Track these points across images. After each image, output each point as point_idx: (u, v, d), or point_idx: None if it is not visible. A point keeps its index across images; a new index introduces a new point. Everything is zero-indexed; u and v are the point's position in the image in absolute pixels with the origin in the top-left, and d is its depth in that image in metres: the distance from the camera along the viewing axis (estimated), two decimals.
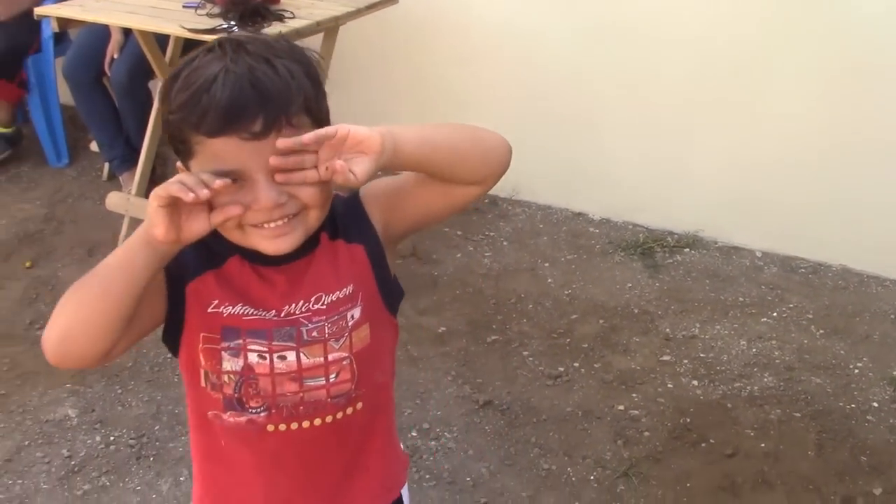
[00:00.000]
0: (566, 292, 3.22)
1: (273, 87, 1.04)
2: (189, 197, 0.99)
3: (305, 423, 1.21)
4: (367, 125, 1.06)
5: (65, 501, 2.30)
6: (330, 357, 1.19)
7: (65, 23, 3.03)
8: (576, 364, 2.83)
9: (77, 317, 1.05)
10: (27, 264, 3.31)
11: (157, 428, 2.54)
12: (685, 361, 2.85)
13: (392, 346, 1.32)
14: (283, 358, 1.18)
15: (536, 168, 3.73)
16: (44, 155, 4.11)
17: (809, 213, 3.37)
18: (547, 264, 3.39)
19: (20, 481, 2.35)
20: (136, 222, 3.38)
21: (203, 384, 1.21)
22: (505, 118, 3.73)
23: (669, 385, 2.74)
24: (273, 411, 1.20)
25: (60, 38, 3.96)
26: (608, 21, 3.49)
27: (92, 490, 2.33)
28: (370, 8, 3.19)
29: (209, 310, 1.17)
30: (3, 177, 4.00)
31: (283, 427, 1.21)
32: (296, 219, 1.10)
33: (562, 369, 2.80)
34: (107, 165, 3.95)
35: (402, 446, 1.45)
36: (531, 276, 3.32)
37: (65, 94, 4.10)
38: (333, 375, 1.20)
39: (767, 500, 2.32)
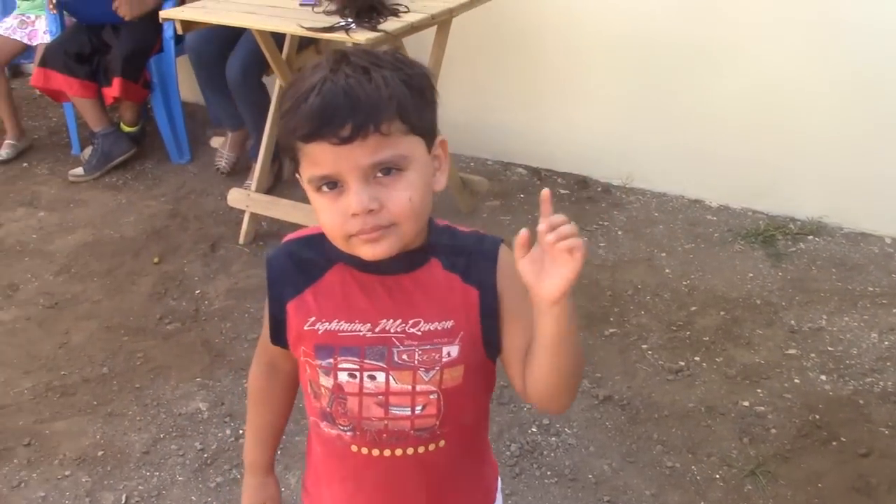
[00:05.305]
0: (684, 283, 3.15)
1: (363, 95, 1.06)
2: None
3: (387, 452, 1.23)
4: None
5: (199, 493, 2.38)
6: (418, 388, 1.20)
7: (188, 25, 3.12)
8: (697, 358, 2.78)
9: None
10: (155, 260, 3.43)
11: None
12: (812, 355, 2.76)
13: (487, 391, 1.30)
14: (372, 378, 1.20)
15: (650, 155, 3.66)
16: (167, 152, 4.25)
17: None
18: (664, 254, 3.33)
19: (157, 473, 2.45)
20: (255, 217, 3.48)
21: (309, 390, 1.27)
22: (617, 106, 3.69)
23: (796, 380, 2.66)
24: (358, 433, 1.23)
25: (180, 38, 4.09)
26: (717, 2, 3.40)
27: (224, 482, 2.41)
28: None
29: (306, 327, 1.21)
30: (129, 174, 4.16)
31: (365, 451, 1.24)
32: (388, 230, 1.11)
33: (682, 363, 2.75)
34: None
35: (499, 482, 1.42)
36: (648, 266, 3.26)
37: (185, 92, 4.24)
38: (420, 407, 1.21)
39: None
